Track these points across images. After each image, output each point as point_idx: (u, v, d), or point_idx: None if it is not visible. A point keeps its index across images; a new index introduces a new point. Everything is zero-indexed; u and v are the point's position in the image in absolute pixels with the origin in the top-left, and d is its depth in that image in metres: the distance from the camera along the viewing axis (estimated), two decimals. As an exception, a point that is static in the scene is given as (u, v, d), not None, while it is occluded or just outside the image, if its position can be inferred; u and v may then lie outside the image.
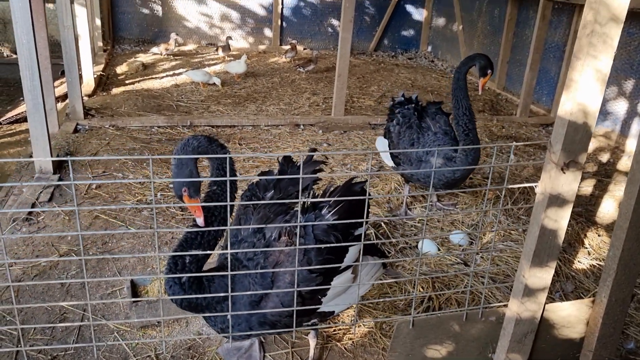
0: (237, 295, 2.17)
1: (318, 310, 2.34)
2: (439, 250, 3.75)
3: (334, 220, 2.26)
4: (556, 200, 2.12)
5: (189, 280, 2.11)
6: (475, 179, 4.84)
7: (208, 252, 2.13)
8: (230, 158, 2.04)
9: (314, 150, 2.74)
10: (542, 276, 2.26)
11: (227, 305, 2.17)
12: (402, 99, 4.22)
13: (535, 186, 2.19)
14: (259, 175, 2.66)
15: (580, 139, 2.03)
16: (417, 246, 3.77)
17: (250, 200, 2.55)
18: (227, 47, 9.11)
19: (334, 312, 2.41)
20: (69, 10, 5.55)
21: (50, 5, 8.85)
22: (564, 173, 2.07)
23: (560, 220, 2.16)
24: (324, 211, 2.30)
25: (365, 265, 2.49)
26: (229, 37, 9.41)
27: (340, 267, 2.32)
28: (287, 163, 2.64)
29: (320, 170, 2.61)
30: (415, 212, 4.25)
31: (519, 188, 4.56)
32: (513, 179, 4.97)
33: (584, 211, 4.49)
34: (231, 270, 2.21)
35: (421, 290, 3.23)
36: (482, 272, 3.44)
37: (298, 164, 2.63)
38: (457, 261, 3.60)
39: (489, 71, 3.98)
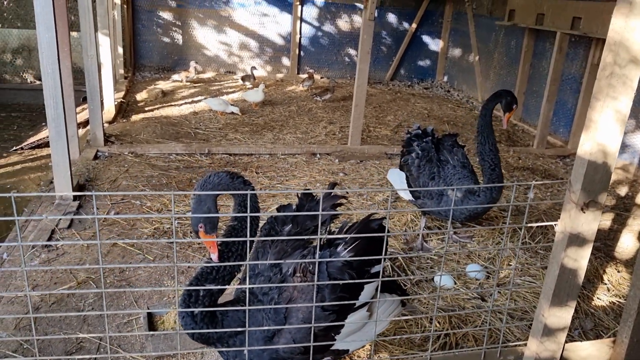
0: (250, 330, 2.17)
1: (332, 348, 2.32)
2: (455, 283, 3.72)
3: (349, 257, 2.26)
4: (576, 240, 2.11)
5: (202, 314, 2.12)
6: (491, 211, 4.82)
7: (222, 287, 2.14)
8: (254, 194, 2.07)
9: (334, 185, 2.76)
10: (562, 316, 2.24)
11: (239, 340, 2.17)
12: (419, 131, 4.24)
13: (555, 225, 2.18)
14: (277, 209, 2.68)
15: (600, 178, 2.03)
16: (433, 279, 3.74)
17: (269, 234, 2.57)
18: (251, 77, 9.24)
19: (348, 350, 2.39)
20: (93, 40, 5.69)
21: (74, 34, 9.07)
22: (584, 213, 2.07)
23: (580, 259, 2.15)
24: (339, 248, 2.28)
25: (383, 302, 2.48)
26: (253, 67, 9.55)
27: (354, 304, 2.30)
28: (306, 197, 2.65)
29: (340, 204, 2.62)
30: (432, 245, 4.23)
31: (537, 222, 4.53)
32: (530, 211, 4.93)
33: (603, 246, 4.43)
34: (246, 305, 2.22)
35: (438, 325, 3.20)
36: (499, 308, 3.40)
37: (317, 199, 2.64)
38: (474, 296, 3.56)
39: (514, 106, 4.06)
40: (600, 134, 1.97)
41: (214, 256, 2.11)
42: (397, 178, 4.41)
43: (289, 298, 2.22)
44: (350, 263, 2.22)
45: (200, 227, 2.05)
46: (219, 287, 2.13)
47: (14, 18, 9.73)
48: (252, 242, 2.16)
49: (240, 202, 2.13)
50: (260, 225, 2.63)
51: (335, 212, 2.54)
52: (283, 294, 2.23)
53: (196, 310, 2.09)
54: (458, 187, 2.40)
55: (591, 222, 2.10)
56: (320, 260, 2.19)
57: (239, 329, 2.13)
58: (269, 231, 2.57)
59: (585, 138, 2.01)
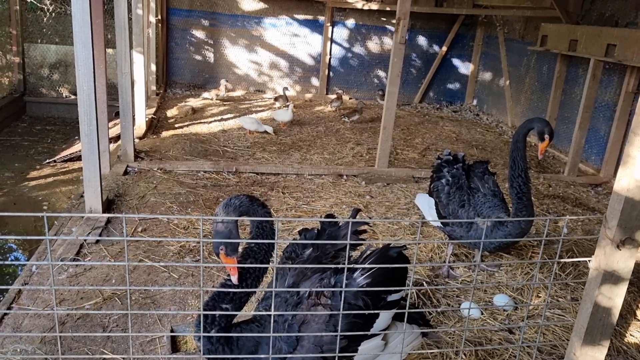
0: (263, 351, 2.17)
1: None
2: (482, 313, 3.64)
3: (366, 284, 2.23)
4: (611, 278, 2.05)
5: (218, 338, 2.15)
6: (521, 240, 4.72)
7: (238, 309, 2.20)
8: (271, 214, 2.14)
9: (358, 211, 2.74)
10: (595, 355, 2.16)
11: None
12: (449, 157, 4.20)
13: (589, 261, 2.12)
14: (299, 232, 2.68)
15: (637, 215, 1.97)
16: (459, 308, 3.67)
17: (290, 256, 2.57)
18: (283, 97, 9.33)
19: None
20: (128, 57, 5.81)
21: (110, 50, 9.29)
22: (620, 250, 2.00)
23: (615, 298, 2.08)
24: (356, 274, 2.27)
25: (401, 332, 2.43)
26: (285, 88, 9.64)
27: (368, 331, 2.27)
28: (329, 222, 2.65)
29: (363, 231, 2.60)
30: (458, 272, 4.16)
31: (567, 253, 4.43)
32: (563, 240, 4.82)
33: (637, 280, 4.30)
34: (262, 325, 2.25)
35: (464, 358, 3.13)
36: (529, 343, 3.31)
37: (340, 224, 2.63)
38: (502, 328, 3.48)
39: (546, 136, 3.89)
40: (639, 170, 1.92)
41: (234, 278, 2.14)
42: (425, 203, 4.36)
43: (302, 321, 2.22)
44: (366, 290, 2.19)
45: (221, 250, 2.08)
46: (233, 311, 2.18)
47: (52, 34, 10.02)
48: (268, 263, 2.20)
49: (258, 224, 2.18)
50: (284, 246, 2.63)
51: (356, 242, 2.52)
52: (297, 316, 2.23)
53: (212, 333, 2.13)
54: (487, 219, 2.37)
55: (627, 260, 2.03)
56: (333, 286, 2.19)
57: (252, 356, 2.14)
58: (290, 253, 2.57)
59: (622, 173, 1.96)
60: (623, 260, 2.03)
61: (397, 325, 2.45)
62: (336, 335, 2.14)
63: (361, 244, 2.65)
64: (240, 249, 2.17)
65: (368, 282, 2.22)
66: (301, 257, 2.53)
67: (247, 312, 2.47)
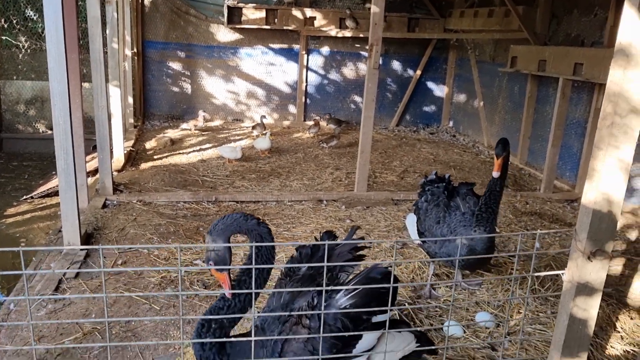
0: None
1: None
2: (464, 332, 3.66)
3: (349, 304, 2.25)
4: (584, 289, 2.09)
5: (211, 343, 2.24)
6: (501, 259, 4.78)
7: (227, 330, 2.29)
8: (269, 230, 2.25)
9: (356, 228, 2.79)
10: (574, 367, 2.20)
11: None
12: (434, 177, 4.27)
13: (563, 273, 2.16)
14: (296, 249, 2.71)
15: (606, 227, 2.03)
16: (442, 329, 3.69)
17: (288, 273, 2.63)
18: (261, 125, 9.39)
19: None
20: (104, 91, 5.82)
21: (86, 84, 9.29)
22: (591, 261, 2.06)
23: (589, 309, 2.12)
24: (339, 295, 2.29)
25: (393, 350, 2.44)
26: (263, 116, 9.71)
27: (350, 352, 2.28)
28: (328, 238, 2.68)
29: (362, 249, 2.64)
30: (440, 292, 4.19)
31: (545, 268, 4.49)
32: (540, 257, 4.89)
33: (615, 292, 4.37)
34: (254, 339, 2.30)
35: (448, 376, 3.14)
36: (510, 358, 3.34)
37: (337, 242, 2.67)
38: (485, 345, 3.50)
39: (498, 153, 3.84)
40: (604, 183, 1.98)
41: (226, 292, 2.23)
42: (411, 222, 4.42)
43: (284, 339, 2.28)
44: (347, 312, 2.21)
45: (210, 264, 2.19)
46: (228, 324, 2.28)
47: (28, 70, 10.00)
48: (265, 276, 2.30)
49: (255, 239, 2.24)
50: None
51: (346, 264, 2.54)
52: (282, 333, 2.29)
53: (206, 340, 2.22)
54: (439, 238, 2.41)
55: (599, 271, 2.08)
56: (314, 306, 2.24)
57: None
58: (288, 270, 2.62)
59: (589, 187, 2.02)
60: (595, 272, 2.08)
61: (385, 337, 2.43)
62: (313, 355, 2.18)
63: (357, 265, 2.66)
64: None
65: (351, 302, 2.24)
66: (297, 274, 2.56)
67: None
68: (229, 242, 2.20)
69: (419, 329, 2.56)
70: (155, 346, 3.38)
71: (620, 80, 1.90)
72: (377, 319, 2.31)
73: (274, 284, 2.66)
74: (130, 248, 4.72)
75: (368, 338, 2.32)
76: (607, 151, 1.97)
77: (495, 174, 3.81)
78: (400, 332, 2.52)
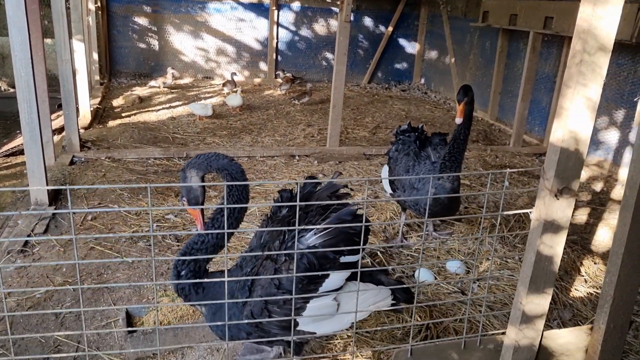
0: (226, 297, 2.25)
1: (297, 328, 2.35)
2: (435, 279, 3.74)
3: (318, 244, 2.28)
4: (551, 227, 2.14)
5: (187, 276, 2.31)
6: (470, 208, 4.87)
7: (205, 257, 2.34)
8: (242, 170, 2.27)
9: (339, 173, 2.79)
10: (540, 302, 2.26)
11: (216, 305, 2.34)
12: (406, 127, 4.27)
13: (530, 212, 2.20)
14: (279, 192, 2.72)
15: (572, 165, 2.06)
16: (413, 275, 3.76)
17: (272, 214, 2.64)
18: (232, 83, 9.23)
19: (315, 332, 2.40)
20: (67, 45, 5.63)
21: (48, 40, 8.97)
22: (558, 199, 2.09)
23: (555, 246, 2.17)
24: (309, 234, 2.32)
25: (362, 292, 2.47)
26: (234, 73, 9.53)
27: (317, 290, 2.32)
28: (311, 182, 2.68)
29: (346, 195, 2.65)
30: (412, 241, 4.25)
31: (514, 216, 4.59)
32: (508, 208, 4.99)
33: (580, 239, 4.50)
34: (230, 274, 2.40)
35: (419, 319, 3.22)
36: (479, 301, 3.43)
37: (320, 186, 2.67)
38: (454, 290, 3.59)
39: (459, 98, 3.80)
40: (572, 121, 2.00)
41: (199, 227, 2.29)
42: (384, 173, 4.44)
43: (255, 273, 2.35)
44: (314, 251, 2.25)
45: (184, 201, 2.25)
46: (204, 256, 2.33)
47: (-14, 25, 9.60)
48: (236, 215, 2.31)
49: (226, 179, 2.25)
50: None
51: (321, 202, 2.53)
52: (252, 269, 2.36)
53: (182, 281, 2.30)
54: (416, 177, 2.43)
55: (565, 209, 2.12)
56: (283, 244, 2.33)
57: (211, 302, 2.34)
58: (271, 213, 2.65)
59: (557, 125, 2.04)
60: (562, 210, 2.12)
61: (355, 286, 2.46)
62: (279, 289, 2.25)
63: (334, 204, 2.65)
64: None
65: (320, 242, 2.26)
66: (277, 216, 2.57)
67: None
68: (202, 181, 2.23)
69: (398, 287, 2.58)
70: (129, 297, 3.37)
71: (589, 16, 1.90)
72: (345, 259, 2.34)
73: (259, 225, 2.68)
74: (100, 201, 4.66)
75: (334, 277, 2.35)
76: (576, 89, 1.98)
77: (458, 120, 3.75)
78: (378, 288, 2.54)
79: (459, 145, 3.75)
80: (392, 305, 2.60)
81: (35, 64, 4.36)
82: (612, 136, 6.16)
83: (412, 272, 3.82)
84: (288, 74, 10.17)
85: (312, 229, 2.30)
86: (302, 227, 2.32)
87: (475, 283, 3.68)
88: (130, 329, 3.00)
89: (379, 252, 3.98)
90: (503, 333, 2.43)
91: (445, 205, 3.81)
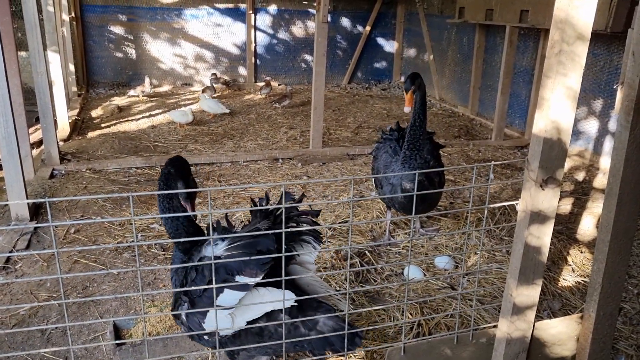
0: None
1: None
2: (424, 275, 3.74)
3: (224, 255, 2.23)
4: (537, 217, 2.14)
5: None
6: (456, 203, 4.88)
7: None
8: (163, 176, 2.43)
9: (303, 195, 2.78)
10: (530, 294, 2.26)
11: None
12: (391, 126, 4.31)
13: (516, 204, 2.20)
14: (252, 200, 2.74)
15: (556, 155, 2.06)
16: (402, 273, 3.76)
17: (264, 215, 2.62)
18: (211, 88, 9.18)
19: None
20: (42, 57, 5.54)
21: (23, 53, 8.83)
22: (543, 190, 2.10)
23: (543, 236, 2.18)
24: (219, 245, 2.27)
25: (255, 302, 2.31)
26: (213, 75, 9.45)
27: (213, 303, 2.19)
28: (287, 195, 2.67)
29: (300, 200, 2.61)
30: (399, 239, 4.25)
31: (500, 209, 4.60)
32: (493, 201, 5.01)
33: (565, 229, 4.53)
34: (186, 256, 2.48)
35: (410, 316, 3.21)
36: (469, 295, 3.43)
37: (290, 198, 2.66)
38: (444, 285, 3.59)
39: (406, 88, 3.84)
40: (553, 111, 2.01)
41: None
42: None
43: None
44: (219, 262, 2.21)
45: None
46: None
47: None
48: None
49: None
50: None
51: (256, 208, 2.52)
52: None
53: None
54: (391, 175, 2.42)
55: (551, 199, 2.13)
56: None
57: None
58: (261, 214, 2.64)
59: (539, 116, 2.05)
60: (547, 200, 2.13)
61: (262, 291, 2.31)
62: (185, 295, 2.34)
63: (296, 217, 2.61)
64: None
65: (227, 254, 2.21)
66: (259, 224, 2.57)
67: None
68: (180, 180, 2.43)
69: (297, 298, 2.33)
70: (116, 309, 3.32)
71: (566, 6, 1.91)
72: (241, 279, 2.19)
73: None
74: (83, 214, 4.59)
75: (228, 295, 2.20)
76: (556, 79, 1.99)
77: (407, 109, 3.77)
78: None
79: (416, 132, 3.72)
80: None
81: (9, 77, 4.29)
82: (591, 126, 6.22)
83: (401, 269, 3.81)
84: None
85: (227, 237, 2.29)
86: (218, 236, 2.32)
87: (464, 278, 3.68)
88: (118, 341, 2.95)
89: (367, 252, 3.96)
90: (495, 326, 2.42)
91: (420, 198, 3.78)
